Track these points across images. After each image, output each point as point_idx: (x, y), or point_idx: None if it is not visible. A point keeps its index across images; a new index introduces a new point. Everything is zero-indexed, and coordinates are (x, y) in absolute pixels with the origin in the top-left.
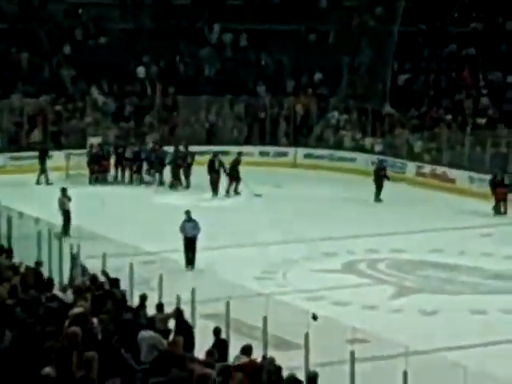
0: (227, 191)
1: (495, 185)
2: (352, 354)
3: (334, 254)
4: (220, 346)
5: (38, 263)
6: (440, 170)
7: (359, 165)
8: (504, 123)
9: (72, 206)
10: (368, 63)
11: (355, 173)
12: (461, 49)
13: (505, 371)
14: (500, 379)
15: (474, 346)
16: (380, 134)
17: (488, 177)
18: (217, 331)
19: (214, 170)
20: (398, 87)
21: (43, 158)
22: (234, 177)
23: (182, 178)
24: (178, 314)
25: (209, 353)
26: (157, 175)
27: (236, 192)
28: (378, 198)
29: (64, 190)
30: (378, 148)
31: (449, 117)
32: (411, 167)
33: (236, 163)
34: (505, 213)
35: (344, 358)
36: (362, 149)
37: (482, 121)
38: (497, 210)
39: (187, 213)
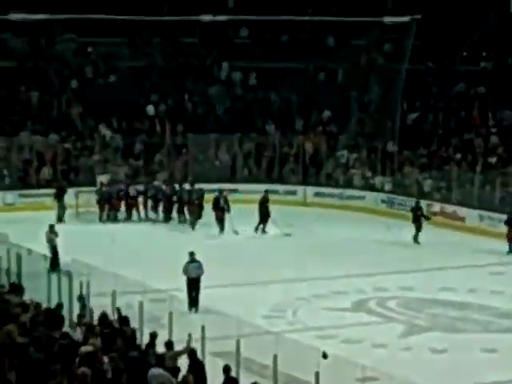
0: (256, 228)
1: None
2: None
3: (343, 293)
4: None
5: (59, 305)
6: (450, 208)
7: (368, 203)
8: None
9: (78, 243)
10: (377, 101)
11: (364, 211)
12: (470, 87)
13: None
14: None
15: None
16: (390, 172)
17: (499, 215)
18: (226, 369)
19: (218, 208)
20: (407, 126)
21: (61, 195)
22: (263, 215)
23: (187, 215)
24: (191, 352)
25: None
26: (160, 212)
27: (263, 231)
28: (416, 240)
29: (52, 227)
30: (387, 187)
31: (458, 156)
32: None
33: (264, 201)
34: None
35: None
36: (371, 187)
37: (491, 160)
38: None
39: (191, 254)
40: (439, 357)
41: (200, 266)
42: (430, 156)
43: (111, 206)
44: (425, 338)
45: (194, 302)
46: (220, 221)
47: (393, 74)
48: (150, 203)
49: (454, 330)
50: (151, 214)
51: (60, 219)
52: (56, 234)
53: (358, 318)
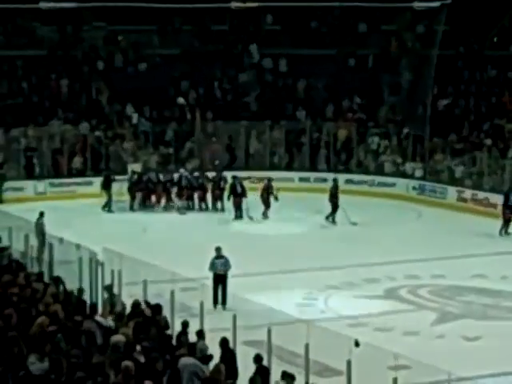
0: (327, 217)
1: None
2: (394, 380)
3: (375, 280)
4: (262, 373)
5: (80, 290)
6: (481, 195)
7: (399, 190)
8: None
9: (109, 232)
10: (408, 87)
11: (396, 198)
12: (501, 73)
13: None
14: None
15: None
16: (420, 158)
17: None
18: (258, 358)
19: (236, 194)
20: (438, 111)
21: (108, 184)
22: (334, 204)
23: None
24: (223, 341)
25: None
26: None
27: (333, 221)
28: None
29: (42, 214)
30: (418, 173)
31: (489, 141)
32: (452, 192)
33: (334, 190)
34: None
35: None
36: (402, 174)
37: None
38: None
39: (217, 250)
40: (472, 344)
41: (227, 262)
42: (461, 142)
43: (147, 194)
44: (457, 325)
45: (221, 298)
46: (237, 207)
47: (423, 59)
48: (174, 190)
49: (486, 318)
50: (177, 202)
51: (109, 208)
52: (43, 223)
53: (389, 306)
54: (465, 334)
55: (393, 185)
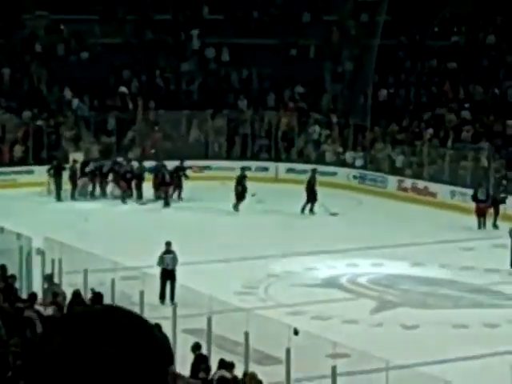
0: (303, 208)
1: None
2: (333, 368)
3: (315, 269)
4: (200, 361)
5: (12, 276)
6: (421, 184)
7: (340, 179)
8: (485, 137)
9: (50, 221)
10: (349, 77)
11: (336, 187)
12: (441, 63)
13: None
14: None
15: (456, 360)
16: (361, 148)
17: (470, 191)
18: (196, 347)
19: (164, 183)
20: (378, 101)
21: (59, 173)
22: (310, 194)
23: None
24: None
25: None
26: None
27: (311, 211)
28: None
29: None
30: (358, 162)
31: (430, 131)
32: (392, 182)
33: (311, 180)
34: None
35: (325, 372)
36: (343, 163)
37: (463, 135)
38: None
39: (168, 244)
40: (410, 332)
41: (175, 257)
42: (401, 131)
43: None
44: (396, 313)
45: (170, 294)
46: (165, 195)
47: (365, 49)
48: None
49: (424, 306)
50: (117, 191)
51: (58, 197)
52: None
53: (329, 295)
54: (403, 322)
55: (334, 174)
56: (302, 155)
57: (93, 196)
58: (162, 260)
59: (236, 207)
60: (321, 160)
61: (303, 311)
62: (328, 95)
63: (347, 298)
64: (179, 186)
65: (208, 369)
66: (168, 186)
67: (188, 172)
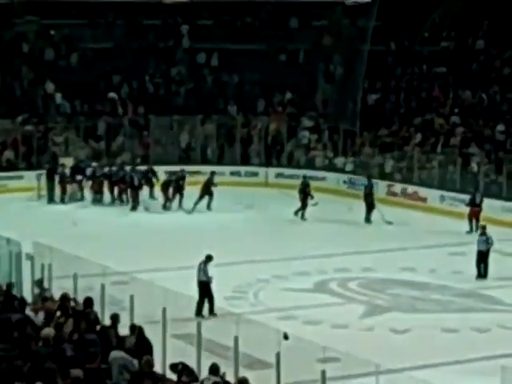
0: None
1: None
2: (323, 373)
3: (305, 273)
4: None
5: (9, 285)
6: (411, 188)
7: (330, 184)
8: (475, 142)
9: (40, 225)
10: (338, 83)
11: (326, 192)
12: (431, 68)
13: None
14: None
15: (446, 365)
16: (351, 153)
17: (460, 196)
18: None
19: (133, 187)
20: (368, 106)
21: (52, 177)
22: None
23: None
24: (139, 331)
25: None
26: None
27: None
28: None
29: None
30: (348, 167)
31: (419, 136)
32: (382, 186)
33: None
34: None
35: (315, 377)
36: (333, 168)
37: (452, 140)
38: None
39: (209, 258)
40: (400, 337)
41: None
42: (391, 136)
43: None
44: (386, 318)
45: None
46: (134, 199)
47: (355, 54)
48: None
49: (414, 310)
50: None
51: (51, 199)
52: None
53: (319, 299)
54: (393, 326)
55: (323, 179)
56: (291, 160)
57: (83, 200)
58: (206, 272)
59: (301, 215)
60: (310, 165)
61: (293, 316)
62: (318, 100)
63: (337, 302)
64: (180, 194)
65: (192, 372)
66: (137, 189)
67: (215, 183)
